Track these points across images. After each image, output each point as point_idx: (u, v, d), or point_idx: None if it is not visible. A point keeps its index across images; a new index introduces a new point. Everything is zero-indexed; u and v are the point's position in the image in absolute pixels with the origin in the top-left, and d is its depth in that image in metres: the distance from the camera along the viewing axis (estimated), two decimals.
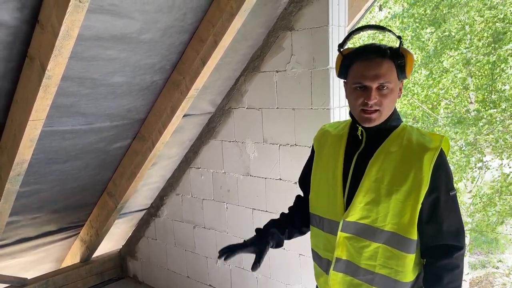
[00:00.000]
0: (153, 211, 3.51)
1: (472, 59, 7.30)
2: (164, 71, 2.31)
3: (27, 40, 1.67)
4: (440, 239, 1.28)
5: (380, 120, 1.28)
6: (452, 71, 7.66)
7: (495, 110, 7.17)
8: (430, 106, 9.04)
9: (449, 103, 8.31)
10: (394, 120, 1.32)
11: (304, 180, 1.59)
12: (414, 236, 1.27)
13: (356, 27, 1.39)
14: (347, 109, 2.40)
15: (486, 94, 7.81)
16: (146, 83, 2.30)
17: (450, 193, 1.27)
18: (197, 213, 3.16)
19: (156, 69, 2.25)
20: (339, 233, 1.34)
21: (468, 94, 8.00)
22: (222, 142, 2.86)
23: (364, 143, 1.35)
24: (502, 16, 7.07)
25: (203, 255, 3.19)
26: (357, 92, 1.27)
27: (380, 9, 9.82)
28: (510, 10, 7.11)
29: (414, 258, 1.30)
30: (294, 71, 2.40)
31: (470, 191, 8.10)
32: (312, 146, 1.56)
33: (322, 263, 1.45)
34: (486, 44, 7.32)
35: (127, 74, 2.14)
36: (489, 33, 7.21)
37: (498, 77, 7.40)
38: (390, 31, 1.36)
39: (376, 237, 1.29)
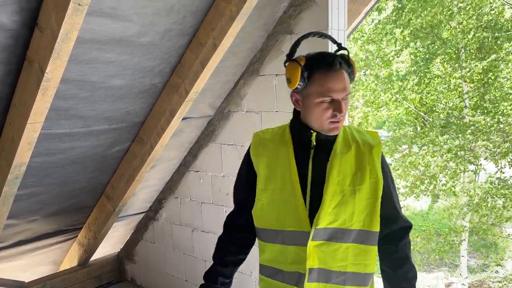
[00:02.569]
0: (151, 214, 3.50)
1: (464, 66, 7.35)
2: (163, 74, 2.30)
3: (26, 43, 1.67)
4: (396, 224, 1.40)
5: (341, 128, 1.34)
6: (443, 76, 7.72)
7: (483, 116, 7.19)
8: (425, 110, 9.10)
9: (444, 108, 8.33)
10: None
11: (244, 195, 1.48)
12: (378, 228, 1.34)
13: (302, 34, 1.41)
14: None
15: (478, 100, 7.86)
16: (145, 86, 2.30)
17: (393, 183, 1.41)
18: (195, 217, 3.15)
19: (155, 72, 2.25)
20: (309, 242, 1.30)
21: (463, 100, 8.03)
22: (221, 145, 2.86)
23: (315, 148, 1.35)
24: (493, 23, 7.13)
25: (202, 259, 3.18)
26: (325, 106, 1.26)
27: (380, 13, 9.86)
28: (496, 18, 7.17)
29: (377, 248, 1.38)
30: None
31: (468, 194, 8.09)
32: (249, 156, 1.45)
33: (289, 277, 1.37)
34: (476, 51, 7.38)
35: (126, 77, 2.14)
36: (479, 40, 7.26)
37: (489, 84, 7.46)
38: (331, 38, 1.38)
39: (345, 238, 1.32)
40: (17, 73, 1.77)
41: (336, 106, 1.25)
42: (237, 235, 1.53)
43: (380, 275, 1.47)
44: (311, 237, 1.30)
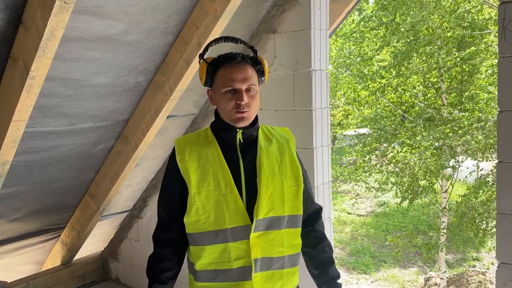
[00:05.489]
0: (136, 212, 3.50)
1: (441, 63, 7.50)
2: (148, 72, 2.32)
3: (11, 41, 1.67)
4: (312, 207, 1.57)
5: (250, 120, 1.40)
6: (420, 73, 7.84)
7: (462, 113, 7.34)
8: (404, 108, 9.25)
9: (422, 105, 8.48)
10: (257, 121, 1.45)
11: (174, 205, 1.46)
12: (302, 211, 1.48)
13: (214, 38, 1.51)
14: (329, 111, 2.46)
15: (456, 97, 8.03)
16: (129, 84, 2.30)
17: (306, 172, 1.56)
18: None
19: (140, 70, 2.26)
20: (251, 234, 1.35)
21: (441, 97, 8.18)
22: None
23: (240, 145, 1.42)
24: (468, 21, 7.29)
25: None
26: (228, 96, 1.36)
27: (360, 13, 10.01)
28: (475, 16, 7.34)
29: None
30: (277, 73, 2.44)
31: (446, 191, 8.27)
32: (175, 165, 1.42)
33: (235, 273, 1.40)
34: (453, 48, 7.53)
35: (111, 75, 2.15)
36: (455, 37, 7.41)
37: (466, 81, 7.63)
38: (243, 42, 1.46)
39: (280, 224, 1.43)
40: (2, 71, 1.77)
41: (238, 96, 1.34)
42: (170, 249, 1.53)
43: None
44: (252, 229, 1.36)
